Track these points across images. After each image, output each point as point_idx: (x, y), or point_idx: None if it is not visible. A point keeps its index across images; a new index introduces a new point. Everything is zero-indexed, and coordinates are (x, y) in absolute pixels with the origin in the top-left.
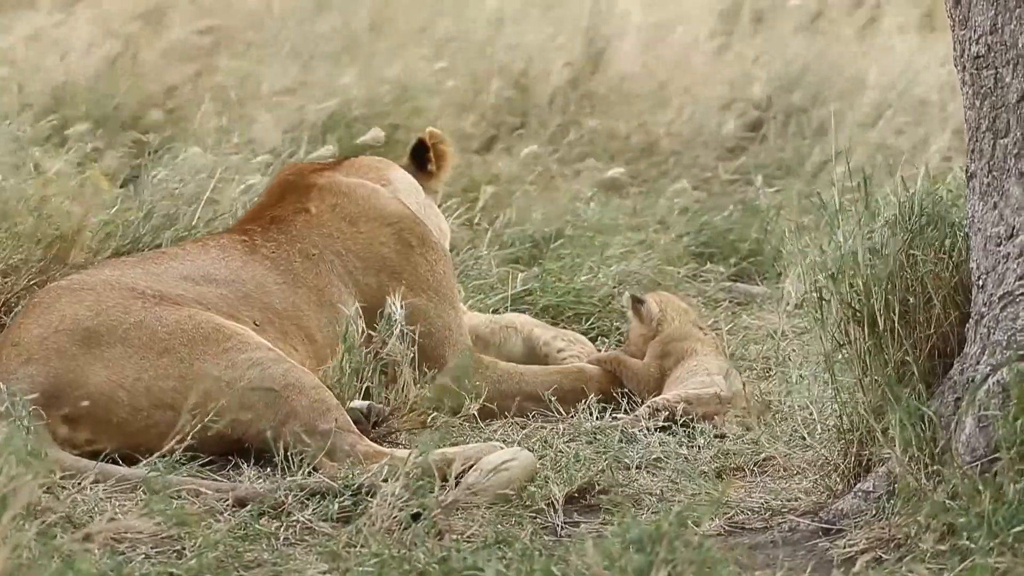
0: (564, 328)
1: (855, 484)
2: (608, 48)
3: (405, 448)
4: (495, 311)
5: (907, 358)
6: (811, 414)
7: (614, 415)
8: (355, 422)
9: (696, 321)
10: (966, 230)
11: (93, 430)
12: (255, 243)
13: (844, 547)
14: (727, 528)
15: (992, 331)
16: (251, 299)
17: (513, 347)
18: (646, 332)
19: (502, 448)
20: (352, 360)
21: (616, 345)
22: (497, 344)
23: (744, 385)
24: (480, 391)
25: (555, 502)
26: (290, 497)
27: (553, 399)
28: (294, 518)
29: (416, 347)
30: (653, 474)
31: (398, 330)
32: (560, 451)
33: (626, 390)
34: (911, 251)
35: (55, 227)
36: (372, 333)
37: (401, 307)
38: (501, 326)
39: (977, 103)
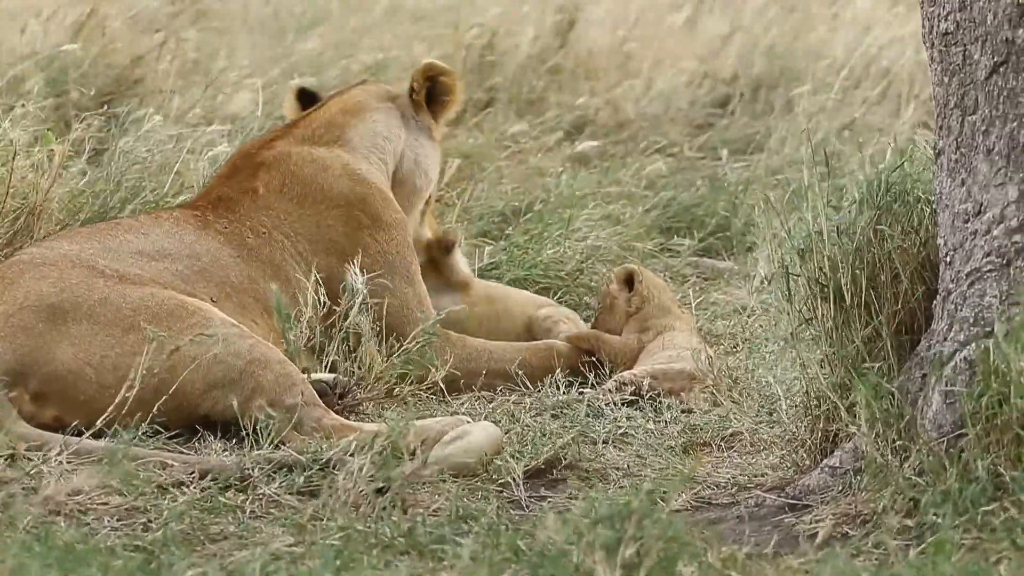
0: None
1: (822, 460)
2: (576, 21)
3: (371, 421)
4: None
5: (875, 334)
6: (778, 389)
7: (580, 389)
8: (320, 394)
9: (671, 296)
10: (933, 207)
11: (60, 407)
12: (207, 219)
13: (810, 523)
14: (694, 503)
15: (959, 307)
16: (207, 273)
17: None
18: (630, 309)
19: (468, 422)
20: (300, 330)
21: (586, 320)
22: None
23: (712, 360)
24: (447, 364)
25: (515, 477)
26: (256, 470)
27: (521, 374)
28: (260, 491)
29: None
30: (620, 449)
31: (360, 300)
32: (527, 425)
33: (594, 363)
34: (879, 227)
35: (21, 198)
36: (336, 307)
37: (362, 277)
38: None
39: (945, 80)
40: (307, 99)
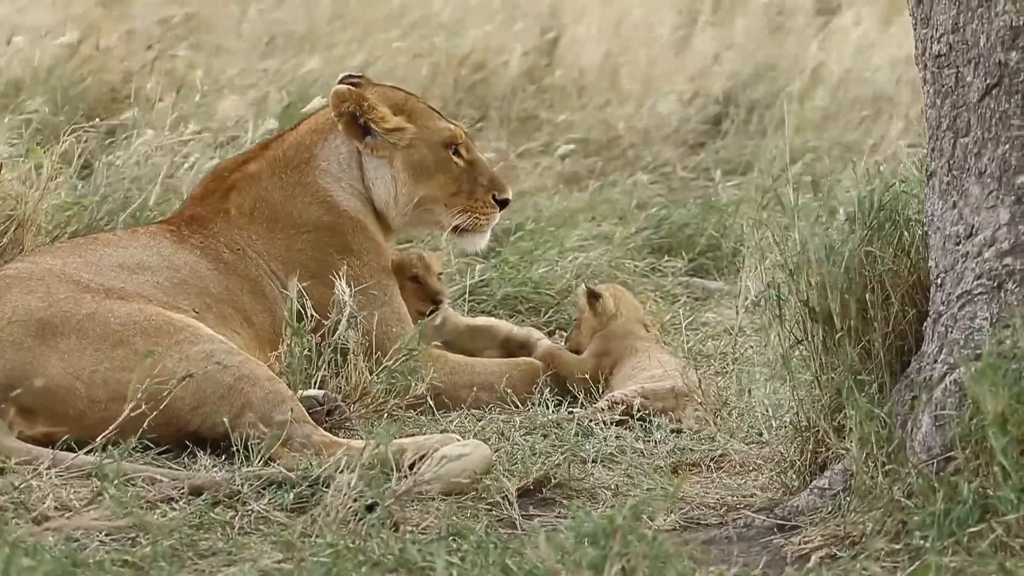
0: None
1: (811, 481)
2: (568, 41)
3: (360, 438)
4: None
5: (865, 355)
6: (768, 410)
7: (570, 409)
8: (309, 410)
9: (642, 319)
10: (925, 228)
11: (50, 422)
12: (183, 234)
13: (799, 544)
14: (682, 523)
15: (950, 330)
16: (187, 285)
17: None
18: (597, 326)
19: (458, 440)
20: (301, 343)
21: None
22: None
23: (700, 381)
24: (431, 380)
25: (509, 495)
26: (246, 486)
27: (509, 391)
28: (249, 507)
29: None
30: (609, 468)
31: (347, 313)
32: (516, 444)
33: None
34: (869, 248)
35: (9, 210)
36: (321, 321)
37: (351, 293)
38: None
39: (938, 102)
40: None
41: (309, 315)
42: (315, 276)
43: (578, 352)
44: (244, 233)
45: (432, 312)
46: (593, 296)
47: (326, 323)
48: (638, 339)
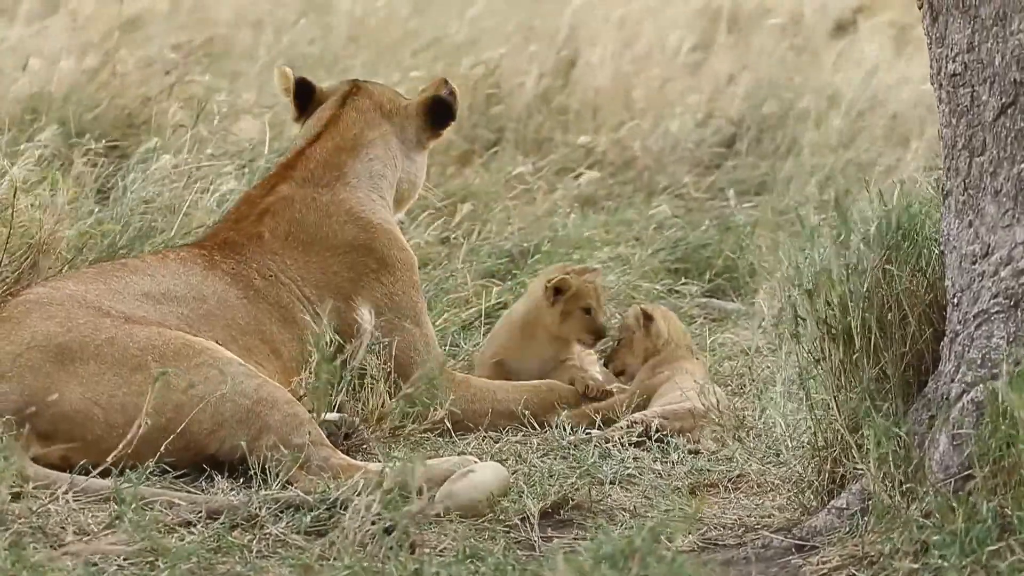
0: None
1: (829, 501)
2: (583, 63)
3: (378, 461)
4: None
5: (882, 375)
6: (785, 430)
7: (587, 430)
8: (328, 434)
9: (689, 343)
10: (941, 248)
11: (68, 447)
12: (214, 259)
13: (817, 564)
14: (700, 544)
15: (967, 349)
16: (213, 316)
17: None
18: (651, 349)
19: (476, 462)
20: (326, 369)
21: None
22: None
23: (719, 401)
24: (452, 404)
25: (530, 517)
26: (264, 510)
27: (527, 414)
28: (267, 531)
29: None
30: (627, 489)
31: (367, 340)
32: (534, 466)
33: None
34: (887, 267)
35: (29, 237)
36: (347, 345)
37: (371, 317)
38: None
39: (953, 121)
40: (304, 92)
41: (331, 340)
42: (349, 298)
43: (621, 372)
44: (278, 257)
45: (590, 345)
46: (648, 319)
47: (358, 345)
48: (686, 361)
